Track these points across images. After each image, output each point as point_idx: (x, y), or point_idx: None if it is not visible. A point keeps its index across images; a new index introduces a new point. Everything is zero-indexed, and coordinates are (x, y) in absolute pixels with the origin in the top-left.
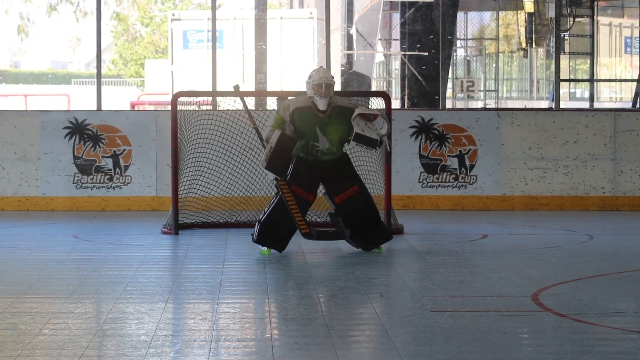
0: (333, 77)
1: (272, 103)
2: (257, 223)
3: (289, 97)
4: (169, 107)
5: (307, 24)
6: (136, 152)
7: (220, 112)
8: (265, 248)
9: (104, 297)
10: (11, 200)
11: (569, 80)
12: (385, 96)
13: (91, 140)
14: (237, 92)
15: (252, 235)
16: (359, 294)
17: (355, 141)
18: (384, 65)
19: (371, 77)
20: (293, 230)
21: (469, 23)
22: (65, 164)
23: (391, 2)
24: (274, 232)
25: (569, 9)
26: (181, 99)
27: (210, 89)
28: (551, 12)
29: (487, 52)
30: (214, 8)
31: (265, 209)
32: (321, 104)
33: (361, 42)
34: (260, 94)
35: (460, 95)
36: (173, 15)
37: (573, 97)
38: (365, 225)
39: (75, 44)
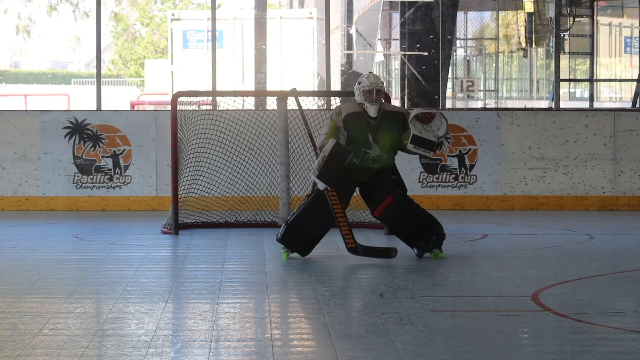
0: (383, 83)
1: (272, 103)
2: (284, 224)
3: (338, 104)
4: (168, 107)
5: (306, 24)
6: (136, 152)
7: (220, 112)
8: (286, 250)
9: (104, 297)
10: (11, 200)
11: (569, 80)
12: (385, 96)
13: (91, 140)
14: (294, 93)
15: (277, 235)
16: (359, 294)
17: (413, 144)
18: (384, 65)
19: None
20: (320, 237)
21: (468, 23)
22: (65, 164)
23: (391, 2)
24: (301, 236)
25: (568, 9)
26: (181, 98)
27: (210, 89)
28: (551, 12)
29: (487, 52)
30: (213, 8)
31: (294, 211)
32: (372, 111)
33: (361, 42)
34: (260, 94)
35: (460, 95)
36: (173, 15)
37: (573, 97)
38: (415, 231)
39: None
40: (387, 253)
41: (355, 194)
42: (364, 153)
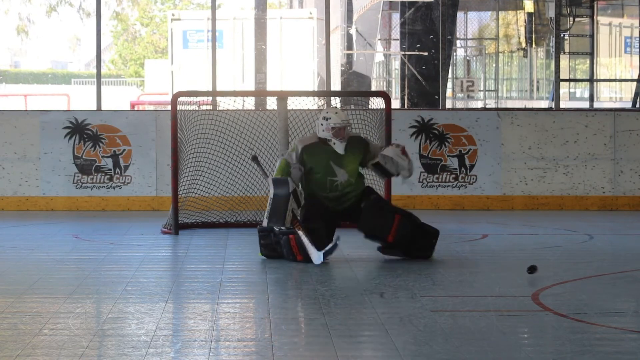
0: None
1: (272, 103)
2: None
3: (294, 141)
4: (168, 107)
5: (306, 24)
6: (136, 152)
7: (220, 112)
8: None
9: (104, 297)
10: (11, 200)
11: (569, 80)
12: (385, 96)
13: (91, 140)
14: (255, 162)
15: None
16: (359, 294)
17: (373, 167)
18: (384, 65)
19: (371, 77)
20: (330, 234)
21: (468, 23)
22: (65, 164)
23: (391, 2)
24: (275, 240)
25: (568, 9)
26: (181, 98)
27: (210, 88)
28: (551, 12)
29: (487, 52)
30: (213, 8)
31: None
32: (340, 148)
33: (361, 42)
34: (260, 94)
35: (460, 95)
36: (173, 15)
37: (573, 97)
38: (418, 238)
39: (75, 44)
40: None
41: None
42: (330, 182)
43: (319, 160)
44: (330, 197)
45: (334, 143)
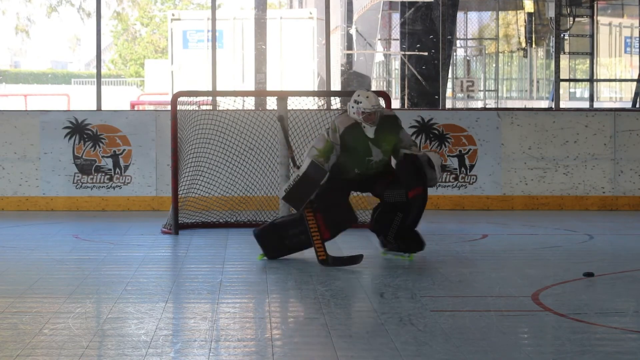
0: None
1: (272, 103)
2: (269, 223)
3: (333, 120)
4: (169, 107)
5: (306, 24)
6: (136, 152)
7: (220, 112)
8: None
9: (104, 297)
10: (11, 200)
11: (569, 80)
12: (385, 96)
13: (91, 140)
14: (282, 123)
15: (255, 230)
16: (359, 294)
17: (405, 156)
18: (384, 65)
19: (371, 77)
20: (296, 251)
21: (468, 23)
22: (65, 164)
23: (391, 2)
24: (280, 240)
25: (568, 9)
26: (181, 98)
27: (210, 88)
28: (551, 12)
29: (487, 52)
30: (213, 8)
31: (286, 218)
32: (370, 132)
33: (361, 42)
34: (260, 93)
35: (460, 95)
36: (173, 15)
37: (573, 97)
38: (407, 227)
39: (75, 44)
40: (354, 260)
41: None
42: (367, 161)
43: (359, 140)
44: (361, 173)
45: (364, 127)
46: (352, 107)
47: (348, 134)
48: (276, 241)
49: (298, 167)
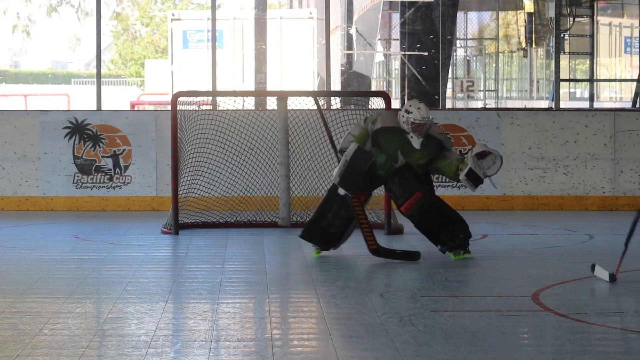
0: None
1: (272, 103)
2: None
3: (379, 113)
4: (169, 107)
5: (307, 24)
6: (136, 152)
7: (220, 112)
8: (315, 247)
9: (104, 297)
10: (11, 200)
11: (569, 80)
12: (385, 96)
13: (91, 140)
14: (315, 101)
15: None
16: (359, 294)
17: (467, 177)
18: (384, 65)
19: (371, 77)
20: (344, 230)
21: (468, 23)
22: (65, 164)
23: (391, 2)
24: (323, 231)
25: (568, 9)
26: (181, 98)
27: (210, 88)
28: (551, 12)
29: (487, 52)
30: (213, 8)
31: (317, 208)
32: (417, 143)
33: (361, 42)
34: (260, 93)
35: (460, 95)
36: (173, 15)
37: (573, 97)
38: (441, 229)
39: (75, 44)
40: (410, 256)
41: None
42: (390, 166)
43: (390, 145)
44: (381, 175)
45: (411, 137)
46: (403, 115)
47: (384, 133)
48: (321, 233)
49: (340, 152)
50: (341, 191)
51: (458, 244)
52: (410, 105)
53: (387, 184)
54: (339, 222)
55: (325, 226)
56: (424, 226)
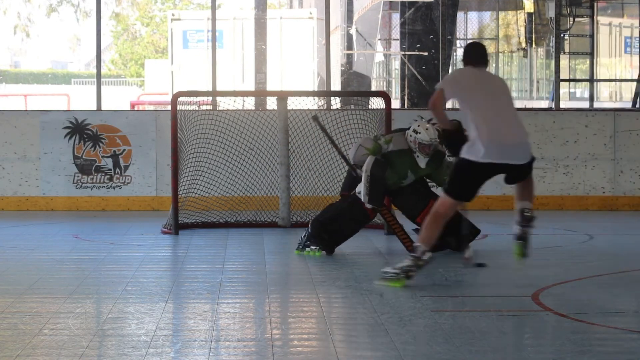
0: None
1: (272, 103)
2: (312, 221)
3: (392, 134)
4: (169, 107)
5: (307, 24)
6: (136, 152)
7: (220, 112)
8: (314, 247)
9: (104, 297)
10: (11, 200)
11: (569, 80)
12: (385, 96)
13: (91, 140)
14: (317, 122)
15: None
16: (359, 294)
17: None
18: (384, 65)
19: (371, 77)
20: (345, 239)
21: (468, 23)
22: (65, 164)
23: (391, 2)
24: (329, 235)
25: (568, 9)
26: (181, 98)
27: (210, 89)
28: (551, 12)
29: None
30: (213, 8)
31: (326, 210)
32: (422, 162)
33: (361, 42)
34: (260, 94)
35: None
36: (173, 15)
37: (573, 97)
38: (453, 230)
39: (75, 44)
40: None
41: None
42: (399, 183)
43: (401, 165)
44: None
45: (418, 156)
46: (411, 135)
47: (397, 155)
48: (327, 237)
49: (354, 166)
50: (369, 205)
51: (464, 238)
52: (418, 126)
53: (396, 196)
54: (348, 232)
55: (332, 230)
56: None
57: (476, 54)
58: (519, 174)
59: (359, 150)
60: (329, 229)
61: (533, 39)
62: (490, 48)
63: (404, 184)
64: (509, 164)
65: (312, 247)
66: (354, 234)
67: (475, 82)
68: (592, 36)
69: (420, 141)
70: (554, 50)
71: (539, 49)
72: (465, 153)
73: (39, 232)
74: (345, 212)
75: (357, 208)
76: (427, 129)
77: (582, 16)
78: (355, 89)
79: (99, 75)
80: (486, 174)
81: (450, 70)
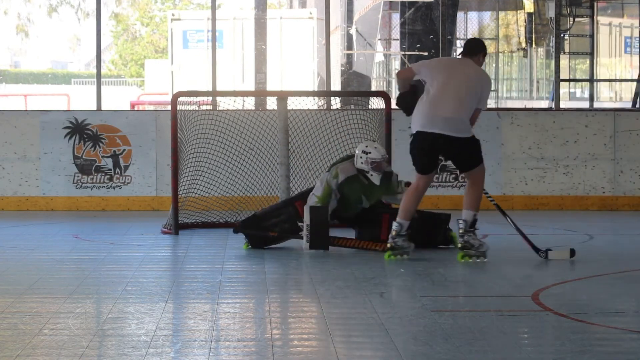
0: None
1: (272, 103)
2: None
3: (336, 166)
4: (169, 107)
5: (307, 24)
6: (136, 152)
7: (220, 112)
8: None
9: (104, 297)
10: (11, 200)
11: (569, 80)
12: (385, 96)
13: (91, 140)
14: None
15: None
16: (359, 294)
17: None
18: (384, 65)
19: (371, 77)
20: (278, 241)
21: (468, 23)
22: (65, 164)
23: (391, 2)
24: (262, 230)
25: (568, 9)
26: (181, 98)
27: (210, 89)
28: (551, 12)
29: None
30: (213, 8)
31: (266, 208)
32: (377, 180)
33: (361, 42)
34: (260, 94)
35: None
36: (173, 15)
37: (573, 97)
38: (425, 230)
39: (75, 44)
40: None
41: None
42: (356, 208)
43: (354, 191)
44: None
45: (372, 175)
46: (361, 157)
47: (347, 184)
48: (258, 230)
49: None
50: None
51: (442, 228)
52: (366, 147)
53: (355, 223)
54: (278, 230)
55: (265, 227)
56: (421, 237)
57: (465, 46)
58: (458, 158)
59: (310, 199)
60: (262, 225)
61: (533, 39)
62: (490, 48)
63: (359, 209)
64: (441, 134)
65: (245, 240)
66: (287, 237)
67: (444, 67)
68: (592, 36)
69: (373, 159)
70: (554, 50)
71: (539, 49)
72: (412, 125)
73: (39, 232)
74: (280, 210)
75: (289, 209)
76: (375, 147)
77: (582, 16)
78: (355, 89)
79: (99, 75)
80: (429, 146)
81: None
